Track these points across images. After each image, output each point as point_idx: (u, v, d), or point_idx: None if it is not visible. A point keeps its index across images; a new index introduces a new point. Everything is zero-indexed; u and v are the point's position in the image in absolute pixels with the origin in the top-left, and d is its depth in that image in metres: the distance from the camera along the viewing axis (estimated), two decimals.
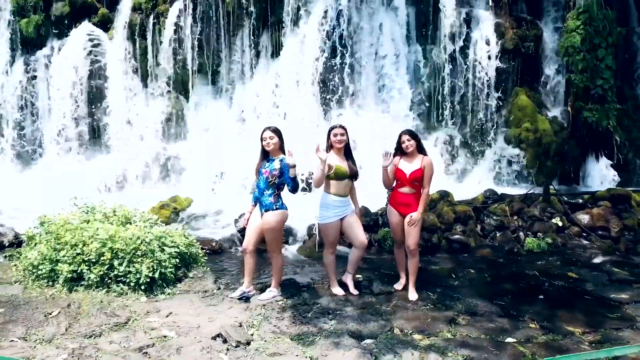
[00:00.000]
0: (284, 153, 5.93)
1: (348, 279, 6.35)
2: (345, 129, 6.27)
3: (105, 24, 14.53)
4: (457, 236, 8.73)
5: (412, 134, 6.24)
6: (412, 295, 6.20)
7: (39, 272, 6.12)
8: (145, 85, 14.40)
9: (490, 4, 13.36)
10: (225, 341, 4.86)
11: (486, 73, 13.01)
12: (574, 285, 6.94)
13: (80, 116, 14.11)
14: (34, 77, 14.33)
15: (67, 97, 14.06)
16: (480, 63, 13.07)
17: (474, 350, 4.82)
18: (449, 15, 13.14)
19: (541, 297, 6.44)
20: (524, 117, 12.60)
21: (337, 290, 6.20)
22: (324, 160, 5.84)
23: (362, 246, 6.23)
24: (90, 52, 14.17)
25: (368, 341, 5.01)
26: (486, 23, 13.23)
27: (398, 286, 6.51)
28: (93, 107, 14.16)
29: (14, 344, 4.74)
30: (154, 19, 14.12)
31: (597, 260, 8.18)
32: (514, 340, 5.11)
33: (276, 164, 5.84)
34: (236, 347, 4.77)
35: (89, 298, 5.76)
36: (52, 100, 14.22)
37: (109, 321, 5.21)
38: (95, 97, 14.17)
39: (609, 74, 12.03)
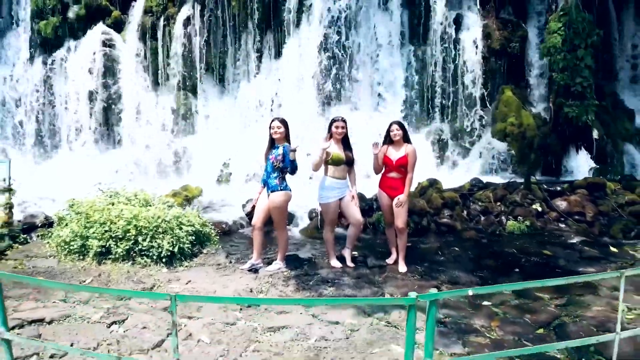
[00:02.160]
0: (288, 142, 6.53)
1: (346, 253, 6.96)
2: (345, 122, 6.87)
3: (119, 26, 15.01)
4: (444, 220, 9.34)
5: (400, 125, 6.83)
6: (402, 268, 6.80)
7: (71, 248, 6.72)
8: (156, 83, 14.89)
9: (478, 7, 13.90)
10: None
11: (474, 72, 13.58)
12: (547, 261, 7.54)
13: (95, 112, 14.63)
14: (52, 75, 14.86)
15: (82, 94, 14.59)
16: (468, 62, 13.63)
17: (453, 310, 5.44)
18: (440, 17, 13.70)
19: (517, 270, 7.06)
20: (509, 113, 13.17)
21: (335, 263, 6.82)
22: (324, 149, 6.45)
23: (358, 224, 6.83)
24: (104, 52, 14.70)
25: (364, 315, 5.62)
26: (474, 25, 13.76)
27: (389, 260, 7.11)
28: (107, 103, 14.68)
29: (55, 304, 5.33)
30: (164, 21, 14.63)
31: (571, 240, 8.77)
32: (489, 303, 5.72)
33: (280, 150, 6.44)
34: (248, 306, 5.38)
35: (116, 269, 6.37)
36: (68, 97, 14.71)
37: (137, 287, 5.83)
38: (109, 94, 14.69)
39: (587, 72, 12.56)
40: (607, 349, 4.41)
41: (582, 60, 12.51)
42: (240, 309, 5.33)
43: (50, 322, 4.89)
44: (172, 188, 11.47)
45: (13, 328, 4.69)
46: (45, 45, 14.95)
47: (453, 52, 13.70)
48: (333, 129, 6.77)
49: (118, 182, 13.16)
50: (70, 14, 14.83)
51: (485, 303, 5.71)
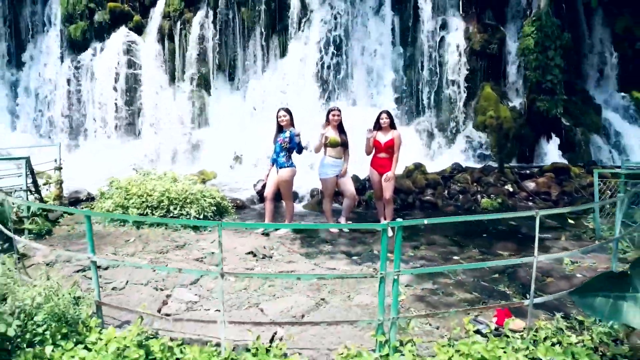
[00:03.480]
0: (293, 127, 7.52)
1: (342, 221, 7.96)
2: (340, 111, 7.86)
3: (140, 29, 16.00)
4: (427, 197, 10.35)
5: (388, 113, 7.81)
6: (389, 233, 7.78)
7: (113, 217, 7.71)
8: (173, 81, 15.90)
9: (461, 12, 14.88)
10: (254, 255, 6.47)
11: (458, 70, 14.56)
12: (511, 229, 8.55)
13: (118, 106, 15.63)
14: (80, 74, 15.83)
15: (107, 90, 15.59)
16: (452, 62, 14.60)
17: (427, 261, 6.45)
18: (427, 22, 14.68)
19: (484, 235, 8.07)
20: (488, 107, 14.16)
21: (334, 229, 7.82)
22: (323, 134, 7.45)
23: (352, 196, 7.83)
24: (127, 52, 15.68)
25: (355, 257, 6.63)
26: (458, 29, 14.77)
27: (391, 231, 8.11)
28: (129, 99, 15.66)
29: (108, 256, 6.34)
30: (180, 25, 15.61)
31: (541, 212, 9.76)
32: (458, 257, 6.72)
33: (287, 134, 7.44)
34: (262, 258, 6.39)
35: (152, 232, 7.37)
36: (94, 93, 15.71)
37: (172, 244, 6.83)
38: (131, 90, 15.67)
39: (557, 71, 13.56)
40: (547, 288, 5.43)
41: (552, 60, 13.50)
42: (257, 259, 6.34)
43: (106, 268, 5.90)
44: (189, 173, 12.48)
45: (78, 271, 5.70)
46: (74, 46, 15.97)
47: (438, 53, 14.68)
48: (330, 117, 7.76)
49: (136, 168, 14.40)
50: (97, 19, 15.81)
51: (455, 257, 6.72)
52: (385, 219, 8.05)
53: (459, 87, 14.59)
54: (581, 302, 3.55)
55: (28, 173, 7.14)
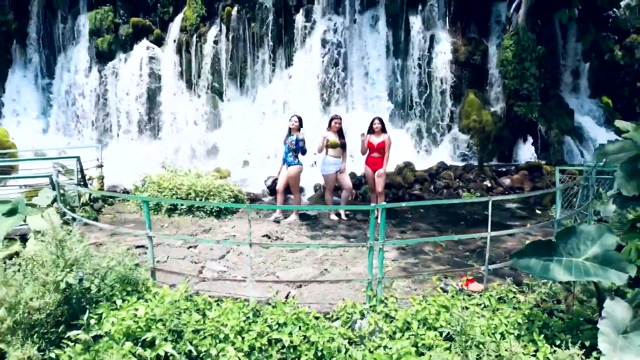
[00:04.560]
0: (301, 130, 8.54)
1: (341, 211, 8.97)
2: (340, 118, 8.86)
3: (159, 42, 16.93)
4: (415, 192, 11.35)
5: (380, 119, 8.80)
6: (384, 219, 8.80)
7: (151, 207, 8.73)
8: (190, 88, 16.84)
9: (448, 27, 15.82)
10: (269, 237, 7.49)
11: (444, 79, 15.53)
12: (485, 217, 9.54)
13: (140, 111, 16.59)
14: (106, 81, 16.79)
15: (130, 96, 16.55)
16: (439, 71, 15.55)
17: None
18: (417, 36, 15.64)
19: (462, 223, 9.08)
20: (472, 112, 15.13)
21: (334, 217, 8.83)
22: (325, 137, 8.48)
23: (349, 190, 8.84)
24: (148, 62, 16.64)
25: (352, 239, 7.65)
26: (445, 42, 15.67)
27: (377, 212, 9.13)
28: (150, 104, 16.62)
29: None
30: (196, 38, 16.54)
31: (509, 206, 10.80)
32: (442, 239, 7.73)
33: (294, 137, 8.45)
34: (275, 239, 7.41)
35: (182, 219, 8.39)
36: (119, 99, 16.68)
37: (199, 229, 7.85)
38: (152, 96, 16.62)
39: (532, 79, 14.52)
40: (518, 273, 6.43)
41: (528, 70, 14.47)
42: (271, 240, 7.36)
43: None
44: (205, 170, 13.46)
45: (128, 249, 6.72)
46: (101, 57, 16.87)
47: (428, 64, 15.65)
48: (332, 123, 8.76)
49: (158, 166, 15.36)
50: (121, 32, 16.76)
51: (445, 238, 7.73)
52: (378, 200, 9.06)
53: (445, 94, 15.52)
54: (519, 263, 4.56)
55: (79, 169, 8.15)
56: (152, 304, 4.71)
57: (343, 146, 8.78)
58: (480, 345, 4.20)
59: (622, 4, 15.86)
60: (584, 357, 4.17)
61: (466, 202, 8.25)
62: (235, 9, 16.15)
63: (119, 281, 5.05)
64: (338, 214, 8.96)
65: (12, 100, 16.96)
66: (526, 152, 14.75)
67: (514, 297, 5.17)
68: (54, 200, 6.91)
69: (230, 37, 16.25)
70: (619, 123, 5.45)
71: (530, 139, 14.81)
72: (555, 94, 16.10)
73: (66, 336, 4.46)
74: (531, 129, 14.89)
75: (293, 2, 16.05)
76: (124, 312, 4.61)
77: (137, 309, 4.65)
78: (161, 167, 15.13)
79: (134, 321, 4.50)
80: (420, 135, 15.51)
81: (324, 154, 8.81)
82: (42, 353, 4.39)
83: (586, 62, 16.43)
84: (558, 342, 4.36)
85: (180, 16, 16.69)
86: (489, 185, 11.99)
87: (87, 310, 4.64)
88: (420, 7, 15.72)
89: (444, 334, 4.41)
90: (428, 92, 15.59)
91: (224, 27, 16.25)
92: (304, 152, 8.54)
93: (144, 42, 16.64)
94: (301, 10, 16.03)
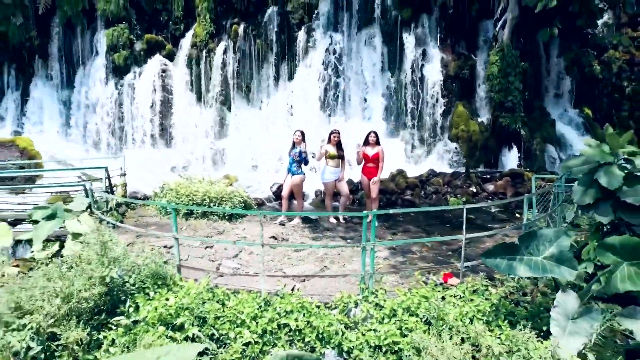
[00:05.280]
0: (304, 143, 9.29)
1: (339, 215, 9.70)
2: (339, 133, 9.59)
3: (171, 56, 17.65)
4: (407, 197, 12.09)
5: (375, 133, 9.54)
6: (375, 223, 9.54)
7: (167, 211, 9.47)
8: (199, 99, 17.57)
9: (439, 44, 16.56)
10: (275, 238, 8.23)
11: (435, 92, 16.25)
12: (469, 221, 10.29)
13: (154, 120, 17.31)
14: (122, 94, 17.50)
15: (144, 107, 17.27)
16: (431, 85, 16.28)
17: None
18: (410, 52, 16.37)
19: (448, 225, 9.82)
20: (460, 122, 15.86)
21: (333, 220, 9.57)
22: (324, 148, 9.22)
23: (347, 196, 9.58)
24: (161, 76, 17.38)
25: (349, 240, 8.39)
26: (435, 57, 16.39)
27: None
28: (162, 114, 17.35)
29: (170, 239, 8.09)
30: (205, 53, 17.27)
31: (491, 210, 11.53)
32: (424, 241, 8.47)
33: (297, 150, 9.19)
34: (282, 240, 8.15)
35: (198, 222, 9.13)
36: (134, 109, 17.40)
37: (214, 231, 8.59)
38: (164, 107, 17.36)
39: (516, 92, 15.25)
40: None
41: (513, 83, 15.20)
42: (277, 241, 8.10)
43: (170, 247, 7.66)
44: (214, 177, 14.19)
45: (152, 249, 7.46)
46: (117, 71, 17.57)
47: (420, 77, 16.37)
48: (332, 137, 9.50)
49: (171, 173, 16.08)
50: (136, 48, 17.49)
51: (422, 240, 8.46)
52: (373, 206, 9.80)
53: (436, 105, 16.25)
54: (488, 262, 5.30)
55: (106, 177, 8.90)
56: (180, 295, 5.45)
57: (341, 157, 9.51)
58: (453, 328, 4.94)
59: (600, 22, 16.58)
60: (540, 339, 4.91)
61: (445, 209, 8.96)
62: (242, 26, 16.90)
63: (150, 276, 5.79)
64: (337, 218, 9.69)
65: (34, 112, 17.69)
66: (510, 159, 15.47)
67: (485, 289, 5.90)
68: (88, 206, 7.66)
69: (237, 53, 16.96)
70: (587, 141, 6.19)
71: (514, 148, 15.53)
72: (538, 106, 16.81)
73: (110, 321, 5.21)
74: (515, 138, 15.62)
75: (295, 20, 16.80)
76: (156, 302, 5.35)
77: (167, 299, 5.40)
78: (175, 174, 15.89)
79: (166, 309, 5.24)
80: (413, 144, 16.23)
81: (324, 164, 9.55)
82: (89, 336, 5.14)
83: (568, 76, 17.15)
84: (520, 328, 5.08)
85: (190, 33, 17.41)
86: (475, 190, 12.72)
87: (127, 300, 5.40)
88: (413, 25, 16.45)
89: (423, 319, 5.15)
90: (420, 103, 16.28)
91: (231, 43, 16.96)
92: (306, 162, 9.29)
93: (157, 57, 17.34)
94: (303, 28, 16.77)
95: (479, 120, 16.08)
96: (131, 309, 5.33)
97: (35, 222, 7.97)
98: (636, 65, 16.88)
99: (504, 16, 15.71)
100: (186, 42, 17.50)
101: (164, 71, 17.23)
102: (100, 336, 5.10)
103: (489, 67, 15.49)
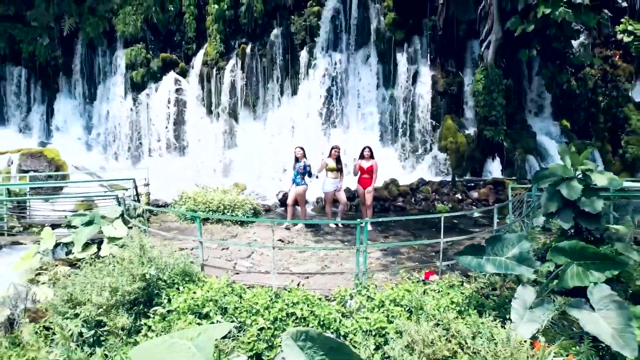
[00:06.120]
0: (305, 158, 10.19)
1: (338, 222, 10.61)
2: (339, 148, 10.47)
3: (184, 73, 18.56)
4: (399, 203, 12.98)
5: (370, 148, 10.40)
6: (369, 227, 10.43)
7: (186, 217, 10.37)
8: (210, 112, 18.48)
9: (429, 62, 17.46)
10: (282, 241, 9.12)
11: (426, 106, 17.15)
12: (454, 226, 11.18)
13: (169, 132, 18.22)
14: (139, 108, 18.41)
15: (160, 120, 18.17)
16: (422, 100, 17.18)
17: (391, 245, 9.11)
18: (403, 70, 17.28)
19: (434, 229, 10.70)
20: (449, 134, 16.75)
21: (332, 225, 10.46)
22: (325, 161, 10.13)
23: (344, 203, 10.47)
24: (175, 91, 18.30)
25: (346, 243, 9.27)
26: (426, 75, 17.27)
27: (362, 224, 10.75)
28: (176, 126, 18.25)
29: (191, 240, 8.99)
30: (216, 70, 18.18)
31: (474, 215, 12.42)
32: (411, 243, 9.36)
33: (301, 163, 10.08)
34: (288, 243, 9.04)
35: (214, 227, 10.03)
36: (150, 122, 18.31)
37: (228, 235, 9.48)
38: (179, 120, 18.27)
39: (499, 107, 16.10)
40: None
41: (496, 99, 16.07)
42: (284, 244, 8.99)
43: (192, 249, 8.55)
44: (224, 184, 15.08)
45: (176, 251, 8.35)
46: (134, 87, 18.50)
47: (412, 93, 17.27)
48: (332, 152, 10.37)
49: (185, 181, 16.98)
50: (152, 66, 18.40)
51: (410, 243, 9.35)
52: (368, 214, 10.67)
53: (427, 119, 17.12)
54: (460, 260, 6.18)
55: (134, 187, 9.80)
56: (204, 289, 6.34)
57: (340, 170, 10.41)
58: (430, 316, 5.83)
59: (576, 43, 17.47)
60: (503, 325, 5.78)
61: (425, 217, 9.84)
62: (249, 46, 17.84)
63: (180, 273, 6.68)
64: (335, 223, 10.58)
65: (59, 124, 18.61)
66: (494, 168, 16.35)
67: (460, 285, 6.78)
68: (121, 214, 8.56)
69: (244, 70, 17.86)
70: (560, 148, 7.09)
71: (497, 158, 16.43)
72: (521, 119, 17.70)
73: (148, 311, 6.11)
74: (499, 149, 16.50)
75: (298, 40, 17.72)
76: (185, 295, 6.24)
77: (194, 292, 6.29)
78: (190, 182, 16.73)
79: (193, 301, 6.14)
80: (405, 155, 17.12)
81: (325, 176, 10.44)
82: (132, 323, 6.04)
83: (548, 92, 18.02)
84: (486, 316, 5.95)
85: (202, 52, 18.32)
86: (460, 197, 13.60)
87: (160, 293, 6.29)
88: (406, 45, 17.35)
89: (406, 309, 6.04)
90: (412, 117, 17.17)
91: (239, 62, 17.87)
92: (310, 174, 10.16)
93: (172, 74, 18.24)
94: (305, 48, 17.66)
95: (466, 132, 16.94)
96: (165, 301, 6.23)
97: (73, 227, 8.88)
98: (610, 82, 17.77)
99: (489, 37, 16.60)
100: (198, 60, 18.39)
101: (177, 87, 18.13)
102: (141, 323, 6.00)
103: (475, 84, 16.36)
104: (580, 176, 6.54)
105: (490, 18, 16.51)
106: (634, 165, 17.09)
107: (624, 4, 18.22)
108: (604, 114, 17.72)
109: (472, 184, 14.40)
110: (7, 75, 18.31)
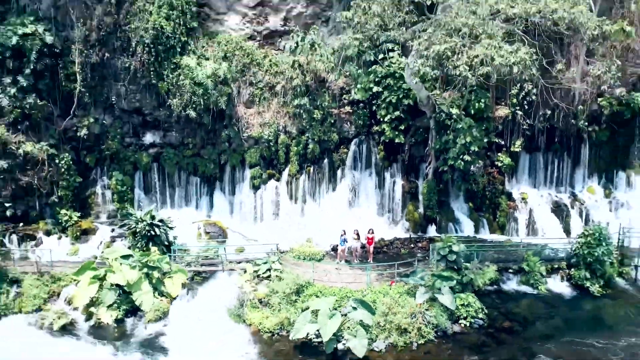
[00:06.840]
0: (344, 234, 26.91)
1: (356, 263, 27.31)
2: (357, 230, 27.17)
3: (278, 179, 35.39)
4: (384, 249, 29.50)
5: (372, 230, 26.98)
6: (370, 266, 27.06)
7: (300, 257, 27.16)
8: (291, 198, 35.17)
9: (401, 176, 34.22)
10: (337, 268, 25.76)
11: (399, 198, 33.76)
12: (413, 260, 27.75)
13: (272, 210, 34.93)
14: (257, 198, 35.17)
15: (267, 204, 34.71)
16: (397, 196, 34.07)
17: (384, 271, 25.85)
18: (388, 181, 34.06)
19: (406, 261, 27.30)
20: (410, 212, 33.31)
21: (356, 261, 27.10)
22: (350, 242, 26.95)
23: (358, 253, 27.16)
24: (275, 189, 35.07)
25: (359, 269, 25.86)
26: (399, 183, 33.69)
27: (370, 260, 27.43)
28: (275, 207, 34.98)
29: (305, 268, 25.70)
30: (295, 179, 34.81)
31: (420, 255, 29.01)
32: (383, 265, 25.93)
33: (342, 237, 26.66)
34: (337, 269, 25.75)
35: (307, 264, 26.72)
36: (262, 206, 35.11)
37: (317, 267, 26.24)
38: (276, 204, 35.04)
39: (434, 200, 32.51)
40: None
41: (432, 198, 32.60)
42: (337, 269, 25.65)
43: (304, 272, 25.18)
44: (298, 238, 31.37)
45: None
46: (255, 187, 34.76)
47: (392, 192, 33.87)
48: (354, 232, 27.07)
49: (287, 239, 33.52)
50: (263, 176, 35.06)
51: (382, 267, 25.95)
52: (370, 260, 27.25)
53: (399, 204, 33.38)
54: (406, 278, 23.06)
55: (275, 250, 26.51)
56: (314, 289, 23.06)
57: (358, 238, 26.92)
58: (390, 297, 22.55)
59: (474, 168, 34.00)
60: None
61: (397, 263, 26.63)
62: (312, 168, 34.37)
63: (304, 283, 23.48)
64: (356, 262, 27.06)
65: (216, 206, 34.79)
66: (432, 230, 32.65)
67: (403, 286, 23.41)
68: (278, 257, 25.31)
69: (309, 179, 34.43)
70: (446, 237, 24.13)
71: (434, 225, 32.88)
72: (447, 202, 34.01)
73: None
74: (434, 220, 32.90)
75: (336, 165, 34.29)
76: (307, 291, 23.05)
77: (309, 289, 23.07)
78: (295, 241, 32.57)
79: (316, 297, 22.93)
80: (389, 221, 33.49)
81: (351, 243, 26.96)
82: None
83: (460, 190, 34.27)
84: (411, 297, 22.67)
85: (287, 170, 34.02)
86: (413, 246, 30.01)
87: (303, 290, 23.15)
88: (389, 168, 33.89)
89: (382, 295, 22.72)
90: (392, 203, 33.61)
91: (307, 176, 34.24)
92: (345, 241, 26.71)
93: (272, 181, 33.32)
94: (340, 168, 34.08)
95: (419, 211, 33.38)
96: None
97: (258, 263, 25.71)
98: (492, 184, 33.97)
99: (430, 165, 33.16)
100: (285, 173, 33.38)
101: (276, 187, 34.34)
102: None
103: (423, 188, 32.79)
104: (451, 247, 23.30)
105: (431, 157, 33.15)
106: (503, 228, 33.53)
107: (502, 142, 34.70)
108: (489, 200, 34.17)
109: (420, 239, 30.92)
110: (193, 182, 35.02)
